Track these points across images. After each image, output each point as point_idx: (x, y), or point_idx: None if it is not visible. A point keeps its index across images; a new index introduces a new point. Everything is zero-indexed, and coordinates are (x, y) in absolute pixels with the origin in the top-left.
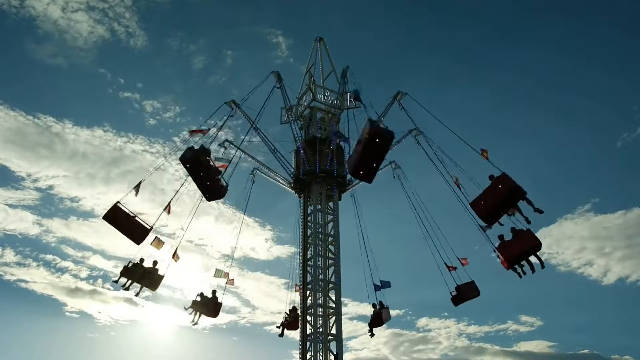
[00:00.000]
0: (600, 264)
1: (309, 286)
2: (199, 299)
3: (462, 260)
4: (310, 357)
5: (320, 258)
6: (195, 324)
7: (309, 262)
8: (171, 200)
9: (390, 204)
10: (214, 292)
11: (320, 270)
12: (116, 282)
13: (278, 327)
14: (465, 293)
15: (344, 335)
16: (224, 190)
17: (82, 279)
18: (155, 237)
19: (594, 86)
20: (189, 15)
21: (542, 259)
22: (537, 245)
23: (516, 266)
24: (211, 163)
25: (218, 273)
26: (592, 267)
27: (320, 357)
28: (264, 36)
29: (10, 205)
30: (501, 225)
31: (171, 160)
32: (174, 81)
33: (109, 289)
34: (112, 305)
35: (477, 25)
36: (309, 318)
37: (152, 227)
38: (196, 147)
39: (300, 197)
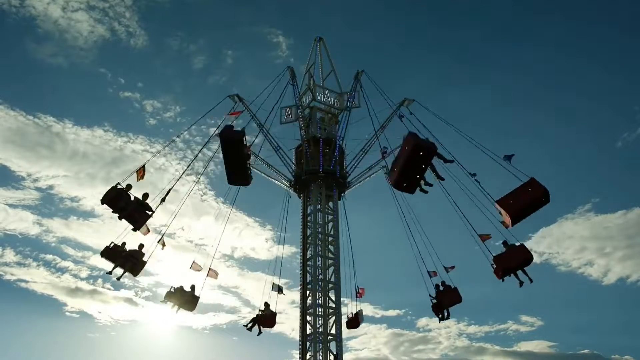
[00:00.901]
0: (601, 264)
1: (309, 286)
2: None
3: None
4: (310, 357)
5: (320, 258)
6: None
7: (308, 262)
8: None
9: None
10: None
11: (320, 270)
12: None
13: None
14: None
15: (344, 335)
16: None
17: (82, 279)
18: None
19: (594, 86)
20: (189, 15)
21: (543, 258)
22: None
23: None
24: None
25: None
26: (593, 267)
27: (320, 357)
28: (264, 36)
29: (10, 205)
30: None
31: (171, 159)
32: (174, 81)
33: (109, 289)
34: (112, 305)
35: (477, 25)
36: (308, 318)
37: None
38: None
39: (300, 197)
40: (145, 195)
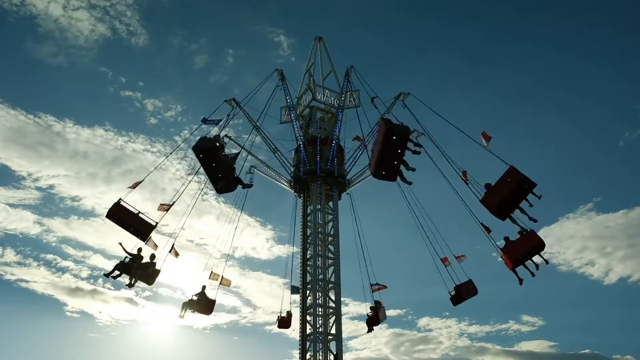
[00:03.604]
0: (602, 263)
1: (309, 286)
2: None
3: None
4: (310, 357)
5: (320, 258)
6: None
7: (308, 262)
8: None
9: (394, 203)
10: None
11: (320, 270)
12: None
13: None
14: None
15: (344, 335)
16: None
17: (82, 279)
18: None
19: (595, 86)
20: (190, 14)
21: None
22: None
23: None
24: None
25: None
26: (594, 267)
27: (320, 357)
28: (266, 35)
29: (10, 205)
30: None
31: (172, 159)
32: (175, 80)
33: (109, 289)
34: (112, 305)
35: (477, 25)
36: (308, 318)
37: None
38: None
39: (300, 197)
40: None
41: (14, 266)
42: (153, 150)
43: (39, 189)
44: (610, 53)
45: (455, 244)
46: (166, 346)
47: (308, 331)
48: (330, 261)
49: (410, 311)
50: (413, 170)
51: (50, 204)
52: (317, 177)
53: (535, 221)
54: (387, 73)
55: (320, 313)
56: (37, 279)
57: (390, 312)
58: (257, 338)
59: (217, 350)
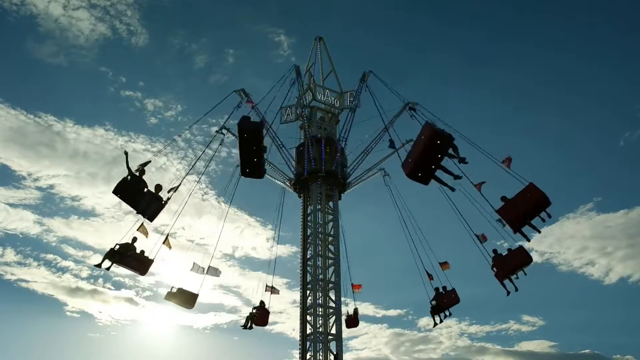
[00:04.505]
0: (602, 263)
1: (309, 286)
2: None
3: (442, 265)
4: (310, 357)
5: (320, 258)
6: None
7: (308, 262)
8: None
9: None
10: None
11: (320, 270)
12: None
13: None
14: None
15: (344, 335)
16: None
17: (82, 279)
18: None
19: (595, 86)
20: (190, 14)
21: (544, 258)
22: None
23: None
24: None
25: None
26: (594, 267)
27: (320, 357)
28: (266, 35)
29: (11, 205)
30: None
31: (172, 159)
32: (176, 80)
33: (109, 289)
34: (112, 305)
35: (477, 25)
36: (309, 318)
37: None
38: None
39: (300, 197)
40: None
41: (14, 266)
42: (153, 150)
43: (39, 188)
44: (610, 53)
45: (455, 244)
46: (166, 346)
47: (308, 331)
48: (330, 261)
49: (411, 311)
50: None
51: (50, 203)
52: (318, 177)
53: (539, 232)
54: (387, 73)
55: (320, 313)
56: (37, 279)
57: (390, 312)
58: (257, 338)
59: (217, 350)
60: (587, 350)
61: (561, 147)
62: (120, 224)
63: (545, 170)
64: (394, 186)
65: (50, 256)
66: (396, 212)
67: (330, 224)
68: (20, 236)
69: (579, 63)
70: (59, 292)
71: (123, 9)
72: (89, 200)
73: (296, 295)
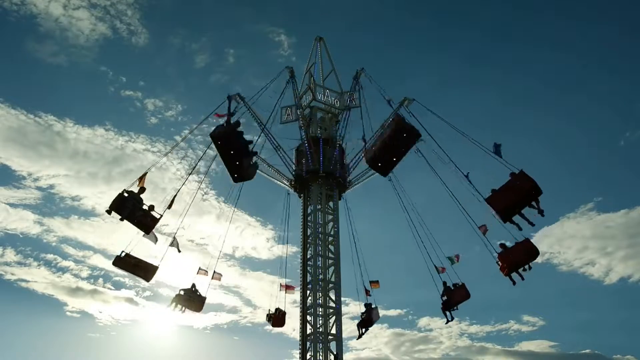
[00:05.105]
0: (602, 263)
1: (309, 286)
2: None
3: (455, 256)
4: (311, 357)
5: (320, 258)
6: (182, 312)
7: (309, 262)
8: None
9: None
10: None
11: (320, 270)
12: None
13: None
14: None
15: (344, 335)
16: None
17: (83, 279)
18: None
19: (595, 86)
20: (191, 14)
21: (544, 258)
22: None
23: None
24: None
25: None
26: (594, 267)
27: (320, 357)
28: (266, 35)
29: (11, 205)
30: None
31: (172, 159)
32: (176, 80)
33: (109, 289)
34: (112, 305)
35: (477, 25)
36: (309, 318)
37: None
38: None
39: (300, 197)
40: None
41: (14, 266)
42: (154, 150)
43: (39, 188)
44: (610, 53)
45: (456, 244)
46: (166, 346)
47: (308, 331)
48: (330, 261)
49: (411, 311)
50: (533, 225)
51: (50, 203)
52: (318, 177)
53: (533, 225)
54: (388, 73)
55: (320, 313)
56: (37, 279)
57: (390, 312)
58: (257, 338)
59: (217, 350)
60: (587, 350)
61: (561, 147)
62: (120, 224)
63: (545, 170)
64: (399, 184)
65: (50, 256)
66: (397, 210)
67: (331, 224)
68: (21, 236)
69: (579, 63)
70: (59, 292)
71: (123, 9)
72: (89, 200)
73: (296, 295)
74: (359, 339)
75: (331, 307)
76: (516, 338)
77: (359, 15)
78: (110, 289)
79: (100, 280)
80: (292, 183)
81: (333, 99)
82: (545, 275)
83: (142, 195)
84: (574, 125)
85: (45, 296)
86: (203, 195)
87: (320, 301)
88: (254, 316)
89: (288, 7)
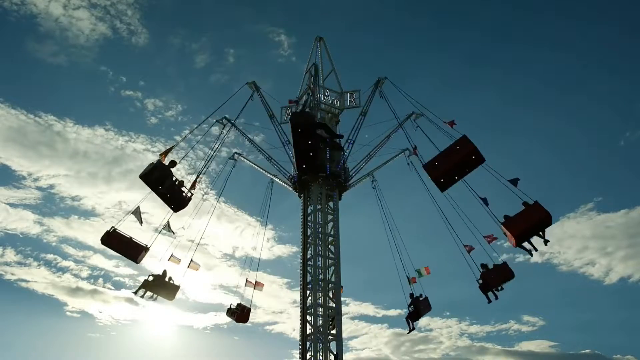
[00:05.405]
0: (603, 263)
1: (309, 286)
2: (151, 278)
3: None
4: (311, 357)
5: (320, 258)
6: (154, 299)
7: (309, 262)
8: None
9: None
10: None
11: (320, 270)
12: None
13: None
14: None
15: (345, 335)
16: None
17: (83, 279)
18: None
19: (595, 85)
20: (191, 14)
21: (544, 258)
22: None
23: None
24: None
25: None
26: (594, 267)
27: (320, 357)
28: (266, 35)
29: (11, 205)
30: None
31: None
32: (176, 80)
33: (109, 289)
34: (112, 305)
35: (477, 26)
36: (309, 318)
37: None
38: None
39: (300, 197)
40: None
41: (14, 266)
42: (154, 150)
43: (39, 188)
44: (610, 53)
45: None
46: (166, 346)
47: (308, 331)
48: (330, 261)
49: None
50: (536, 250)
51: (50, 203)
52: (318, 178)
53: (536, 250)
54: (388, 73)
55: (320, 313)
56: (37, 279)
57: (390, 312)
58: (258, 338)
59: (217, 350)
60: (587, 350)
61: (561, 147)
62: (120, 224)
63: (545, 170)
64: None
65: (50, 256)
66: (397, 210)
67: (331, 224)
68: (21, 236)
69: (579, 63)
70: (59, 292)
71: (123, 9)
72: (89, 200)
73: (296, 295)
74: (409, 333)
75: (331, 307)
76: (516, 338)
77: (359, 15)
78: (110, 289)
79: (100, 280)
80: (293, 183)
81: (333, 99)
82: (545, 275)
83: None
84: (574, 125)
85: (45, 296)
86: (203, 195)
87: (320, 301)
88: (253, 316)
89: (288, 7)
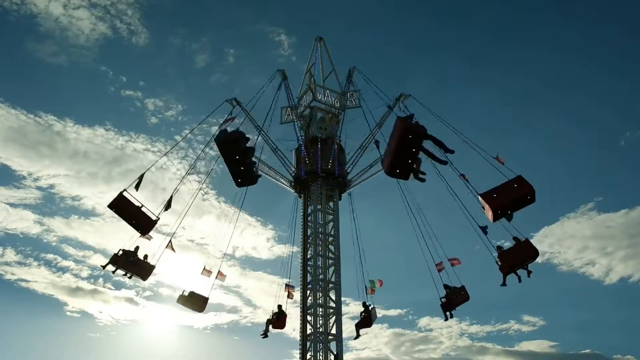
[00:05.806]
0: (603, 263)
1: (309, 286)
2: (120, 253)
3: (453, 260)
4: (311, 357)
5: (320, 258)
6: (129, 277)
7: (309, 262)
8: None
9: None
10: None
11: (320, 270)
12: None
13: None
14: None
15: (345, 335)
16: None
17: (83, 279)
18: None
19: (595, 85)
20: (191, 14)
21: (545, 258)
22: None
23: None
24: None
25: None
26: (594, 267)
27: (320, 357)
28: (266, 35)
29: (11, 205)
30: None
31: (173, 159)
32: (176, 79)
33: (110, 289)
34: (113, 305)
35: (477, 26)
36: (309, 318)
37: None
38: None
39: (300, 197)
40: (145, 256)
41: (14, 266)
42: (154, 150)
43: (39, 188)
44: (610, 53)
45: (456, 244)
46: (166, 346)
47: (308, 331)
48: (330, 261)
49: (411, 311)
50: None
51: (50, 203)
52: (318, 177)
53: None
54: (388, 73)
55: (320, 313)
56: (38, 278)
57: (390, 312)
58: (258, 338)
59: (217, 350)
60: (587, 350)
61: (561, 147)
62: (120, 224)
63: (545, 170)
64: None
65: (50, 256)
66: (397, 210)
67: (331, 224)
68: (21, 236)
69: (579, 63)
70: (59, 292)
71: (123, 9)
72: (89, 200)
73: (296, 295)
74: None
75: (331, 307)
76: (516, 338)
77: (359, 15)
78: (111, 289)
79: (101, 280)
80: (292, 184)
81: (333, 99)
82: (545, 275)
83: (139, 196)
84: (574, 125)
85: (45, 296)
86: (203, 195)
87: (320, 301)
88: (254, 316)
89: (288, 7)
